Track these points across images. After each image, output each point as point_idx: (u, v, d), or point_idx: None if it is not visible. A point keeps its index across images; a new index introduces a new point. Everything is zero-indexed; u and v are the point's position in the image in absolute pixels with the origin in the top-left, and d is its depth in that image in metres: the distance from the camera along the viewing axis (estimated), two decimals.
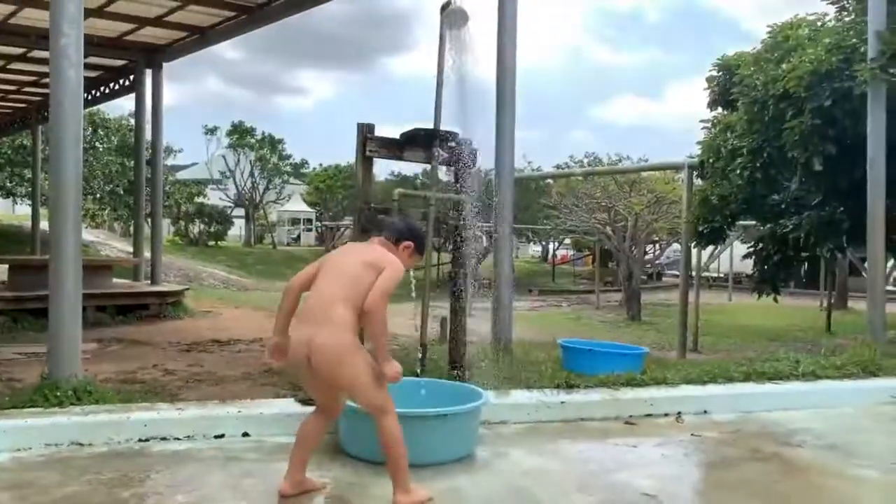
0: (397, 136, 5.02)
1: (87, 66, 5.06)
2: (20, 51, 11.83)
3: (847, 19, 8.88)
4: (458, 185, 5.08)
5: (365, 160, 4.90)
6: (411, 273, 5.22)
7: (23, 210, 31.46)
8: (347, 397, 3.41)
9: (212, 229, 32.76)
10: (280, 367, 3.29)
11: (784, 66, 8.42)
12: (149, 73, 12.11)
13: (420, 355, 4.67)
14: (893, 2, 7.12)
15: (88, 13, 4.65)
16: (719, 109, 10.85)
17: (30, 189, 20.88)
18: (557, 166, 28.20)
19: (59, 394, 4.33)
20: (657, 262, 27.89)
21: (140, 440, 4.07)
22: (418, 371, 4.63)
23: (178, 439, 4.13)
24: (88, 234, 23.01)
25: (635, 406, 4.91)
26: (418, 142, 4.92)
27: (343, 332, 3.16)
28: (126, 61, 12.28)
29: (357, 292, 3.18)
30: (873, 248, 6.98)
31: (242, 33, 10.73)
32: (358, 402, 3.32)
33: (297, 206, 41.73)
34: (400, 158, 5.00)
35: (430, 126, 5.02)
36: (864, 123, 7.03)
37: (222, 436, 4.19)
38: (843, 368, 5.68)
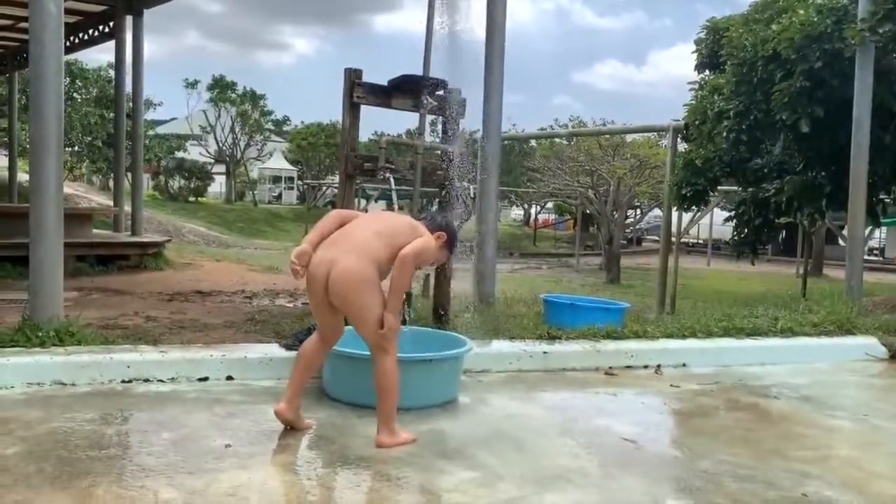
0: (384, 84, 4.95)
1: (66, 12, 4.91)
2: None
3: None
4: (446, 136, 5.05)
5: (352, 107, 4.85)
6: None
7: None
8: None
9: (192, 185, 32.41)
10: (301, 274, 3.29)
11: (774, 27, 8.40)
12: (129, 20, 11.83)
13: (405, 303, 4.66)
14: None
15: None
16: (707, 72, 10.84)
17: (6, 139, 20.48)
18: (542, 129, 28.07)
19: (40, 334, 4.29)
20: (637, 226, 28.08)
21: (123, 381, 4.07)
22: (405, 319, 4.63)
23: (162, 381, 4.13)
24: (67, 188, 22.61)
25: (616, 357, 4.98)
26: (406, 88, 4.86)
27: (369, 262, 3.21)
28: (105, 6, 11.97)
29: (394, 239, 3.25)
30: (854, 207, 7.05)
31: None
32: (362, 333, 3.33)
33: (279, 163, 41.36)
34: (388, 106, 4.94)
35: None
36: (852, 86, 7.05)
37: (206, 379, 4.19)
38: (820, 326, 5.78)
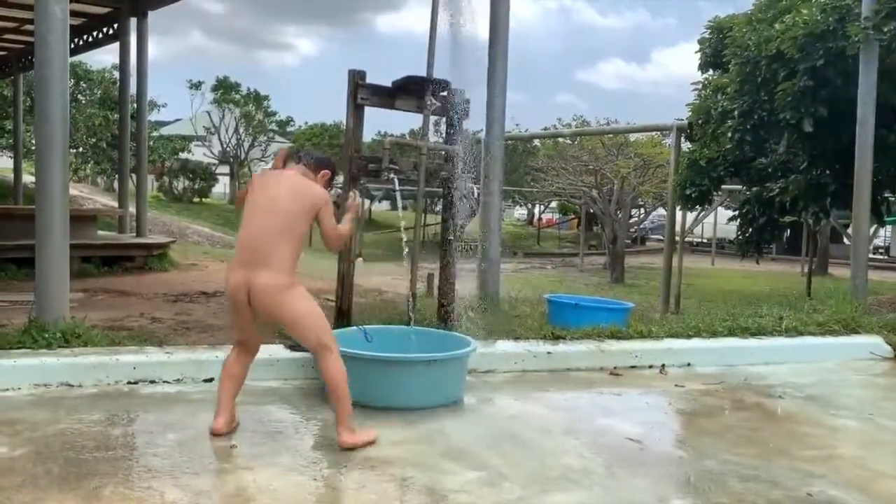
0: (388, 85, 4.96)
1: (70, 14, 4.94)
2: None
3: None
4: (449, 136, 5.06)
5: (356, 108, 4.85)
6: (402, 230, 5.24)
7: (3, 163, 30.98)
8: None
9: (196, 186, 32.44)
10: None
11: (777, 26, 8.38)
12: (133, 22, 11.86)
13: (410, 304, 4.68)
14: None
15: None
16: (710, 71, 10.82)
17: (10, 141, 20.54)
18: (546, 129, 28.07)
19: (47, 336, 4.32)
20: (641, 226, 28.05)
21: (129, 382, 4.09)
22: (409, 320, 4.65)
23: (168, 382, 4.15)
24: (72, 189, 22.64)
25: (620, 357, 4.98)
26: (410, 89, 4.87)
27: (282, 273, 3.28)
28: (110, 8, 11.99)
29: (293, 231, 3.33)
30: (858, 205, 7.03)
31: None
32: (300, 337, 3.40)
33: None
34: (391, 107, 4.95)
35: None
36: (855, 85, 7.03)
37: (211, 380, 4.20)
38: (824, 325, 5.77)
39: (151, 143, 27.06)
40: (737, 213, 10.52)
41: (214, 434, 3.35)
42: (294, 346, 4.43)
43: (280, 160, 3.63)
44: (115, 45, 12.47)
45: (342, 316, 4.85)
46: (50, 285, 4.57)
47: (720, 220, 23.28)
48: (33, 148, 19.53)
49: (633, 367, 4.97)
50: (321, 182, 3.54)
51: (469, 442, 3.44)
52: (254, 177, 3.63)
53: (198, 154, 35.48)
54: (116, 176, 19.10)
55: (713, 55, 10.57)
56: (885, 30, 6.81)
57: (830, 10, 7.89)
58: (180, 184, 32.27)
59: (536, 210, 39.10)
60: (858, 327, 5.85)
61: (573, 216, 34.09)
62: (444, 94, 4.89)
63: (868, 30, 6.75)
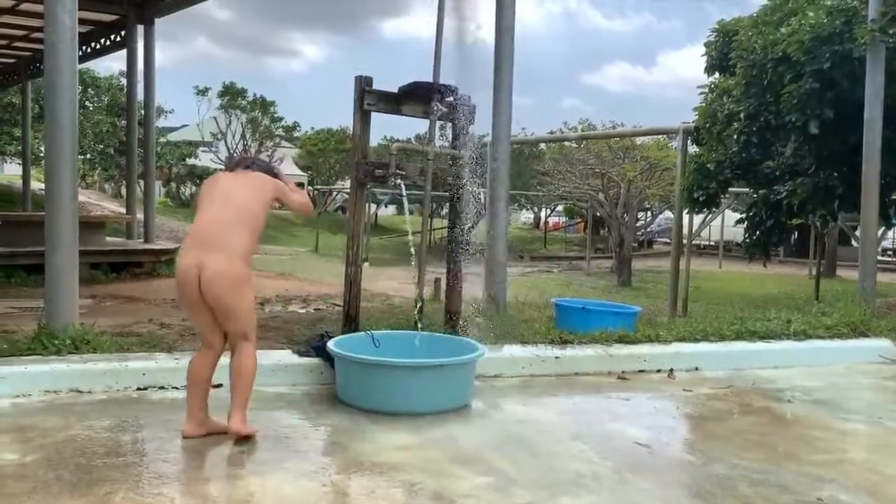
0: (395, 91, 4.97)
1: (79, 22, 4.97)
2: (10, 3, 11.61)
3: None
4: (456, 141, 5.07)
5: (363, 114, 4.87)
6: (409, 233, 5.25)
7: (11, 170, 31.16)
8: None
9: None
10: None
11: (784, 29, 8.38)
12: (140, 29, 11.94)
13: (417, 309, 4.68)
14: None
15: None
16: (717, 75, 10.80)
17: (19, 148, 20.67)
18: (551, 132, 28.07)
19: (56, 342, 4.35)
20: (648, 229, 27.99)
21: (138, 388, 4.11)
22: (417, 326, 4.66)
23: (177, 388, 4.15)
24: (80, 195, 22.80)
25: (628, 362, 4.98)
26: (417, 95, 4.88)
27: (239, 260, 3.31)
28: (117, 16, 12.08)
29: (252, 219, 3.38)
30: (866, 210, 7.02)
31: None
32: (231, 326, 3.37)
33: (290, 169, 41.43)
34: (398, 112, 4.97)
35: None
36: (862, 87, 7.02)
37: (220, 385, 4.19)
38: (833, 328, 5.75)
39: (159, 148, 27.19)
40: (744, 215, 10.50)
41: (184, 437, 3.36)
42: (302, 352, 4.45)
43: (232, 166, 3.69)
44: (123, 52, 12.57)
45: (350, 321, 4.86)
46: (59, 292, 4.60)
47: (727, 223, 23.22)
48: (42, 155, 19.71)
49: (641, 371, 4.96)
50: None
51: (477, 447, 3.45)
52: (207, 179, 3.70)
53: (205, 159, 35.60)
54: (124, 182, 19.21)
55: (719, 58, 10.56)
56: (892, 32, 6.80)
57: (837, 13, 7.88)
58: (187, 189, 32.40)
59: (543, 213, 39.09)
60: (867, 330, 5.83)
61: (579, 219, 34.07)
62: (451, 99, 4.90)
63: (875, 32, 6.75)
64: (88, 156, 25.26)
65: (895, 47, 7.07)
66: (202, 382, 3.47)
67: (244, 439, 3.35)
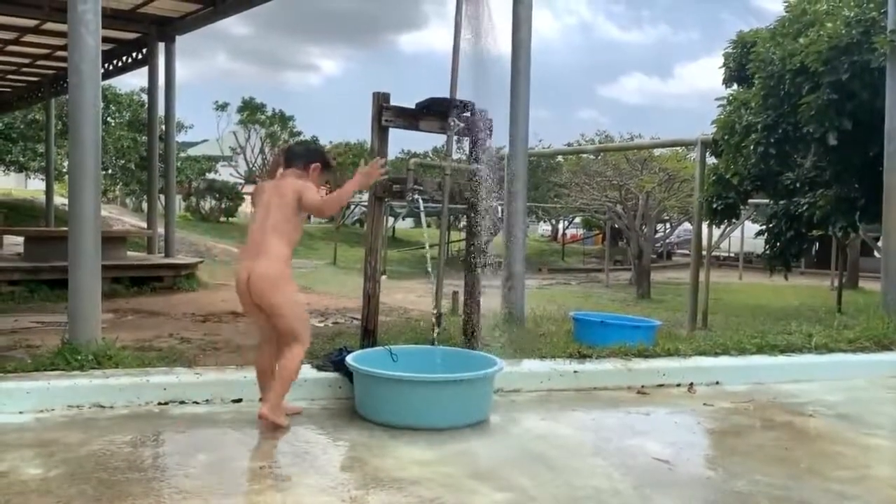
0: (412, 106, 5.01)
1: (101, 40, 5.10)
2: (34, 23, 11.84)
3: None
4: (473, 156, 5.09)
5: (380, 130, 4.91)
6: (427, 247, 5.27)
7: (35, 185, 31.60)
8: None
9: (223, 205, 32.83)
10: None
11: (801, 40, 8.34)
12: (161, 46, 12.12)
13: (434, 324, 4.69)
14: None
15: None
16: (735, 86, 10.77)
17: (43, 164, 20.99)
18: (568, 144, 28.04)
19: (79, 357, 4.40)
20: (667, 240, 27.82)
21: (160, 403, 4.14)
22: (434, 340, 4.66)
23: (197, 403, 4.19)
24: (101, 210, 23.05)
25: (648, 376, 4.95)
26: (434, 111, 4.91)
27: (277, 262, 3.75)
28: (139, 34, 12.28)
29: (284, 224, 3.78)
30: (888, 221, 6.94)
31: (255, 6, 10.69)
32: (279, 323, 3.79)
33: None
34: (416, 128, 5.00)
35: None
36: (881, 98, 6.97)
37: (240, 400, 4.25)
38: (855, 342, 5.69)
39: (179, 163, 27.49)
40: (764, 227, 10.43)
41: (259, 417, 3.72)
42: (321, 367, 4.47)
43: (273, 169, 4.08)
44: (144, 69, 12.76)
45: (368, 335, 4.88)
46: (82, 308, 4.66)
47: (747, 234, 23.04)
48: (65, 170, 19.99)
49: (660, 385, 4.93)
50: (313, 176, 3.95)
51: (496, 462, 3.44)
52: (255, 188, 4.11)
53: (224, 174, 35.93)
54: (145, 197, 19.44)
55: (737, 69, 10.54)
56: None
57: (855, 24, 7.84)
58: (207, 203, 32.69)
59: (560, 225, 38.98)
60: (891, 344, 5.75)
61: (598, 231, 33.95)
62: (468, 114, 4.93)
63: (894, 42, 6.69)
64: (110, 171, 25.57)
65: None
66: (264, 372, 3.94)
67: (274, 428, 3.70)
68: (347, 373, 4.21)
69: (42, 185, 21.90)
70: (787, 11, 9.43)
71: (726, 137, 9.82)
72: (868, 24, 7.72)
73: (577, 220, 35.37)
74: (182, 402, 4.17)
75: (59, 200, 20.38)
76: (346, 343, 4.80)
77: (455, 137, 5.17)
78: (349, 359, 4.16)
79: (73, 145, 4.72)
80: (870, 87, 7.63)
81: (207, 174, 33.09)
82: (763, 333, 5.77)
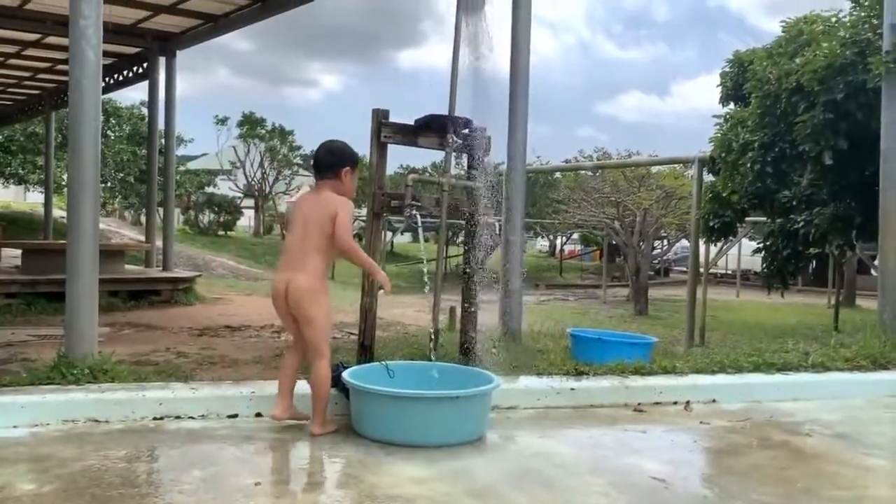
0: (411, 123, 5.04)
1: (102, 53, 5.15)
2: (35, 37, 11.90)
3: (862, 14, 8.83)
4: (471, 172, 5.11)
5: (379, 146, 4.94)
6: (424, 261, 5.28)
7: (34, 198, 31.64)
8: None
9: (221, 219, 32.87)
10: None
11: (798, 60, 8.41)
12: (162, 61, 12.18)
13: (431, 340, 4.69)
14: None
15: None
16: (732, 105, 10.85)
17: (42, 177, 21.02)
18: (567, 161, 28.14)
19: (75, 371, 4.39)
20: (665, 257, 27.86)
21: (155, 418, 4.13)
22: (431, 356, 4.66)
23: (193, 418, 4.18)
24: (100, 223, 23.07)
25: (644, 394, 4.94)
26: (433, 127, 4.94)
27: (314, 276, 3.95)
28: (140, 48, 12.34)
29: (322, 241, 3.95)
30: (885, 240, 6.96)
31: (255, 22, 10.76)
32: (308, 332, 3.97)
33: None
34: (414, 144, 5.03)
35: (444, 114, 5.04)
36: (877, 118, 7.01)
37: (236, 416, 4.24)
38: (852, 361, 5.68)
39: (178, 177, 27.52)
40: (761, 245, 10.45)
41: (272, 417, 4.00)
42: None
43: (313, 167, 4.21)
44: (145, 83, 12.81)
45: (365, 351, 4.88)
46: (79, 322, 4.66)
47: (745, 252, 23.07)
48: (63, 183, 19.99)
49: (657, 403, 4.92)
50: (346, 181, 4.09)
51: (493, 480, 3.43)
52: (294, 200, 4.21)
53: (223, 188, 35.99)
54: (143, 210, 19.45)
55: (734, 88, 10.61)
56: None
57: (850, 44, 7.90)
58: (206, 217, 32.71)
59: (559, 241, 39.05)
60: (888, 363, 5.75)
61: (595, 247, 33.99)
62: (466, 131, 4.95)
63: (889, 63, 6.75)
64: (109, 184, 25.61)
65: None
66: (288, 369, 4.11)
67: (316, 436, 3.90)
68: (344, 389, 4.20)
69: (41, 198, 21.91)
70: (783, 31, 9.51)
71: (723, 155, 9.86)
72: (863, 45, 7.79)
73: (576, 235, 35.44)
74: (178, 418, 4.16)
75: (58, 213, 20.38)
76: (343, 358, 4.80)
77: (454, 155, 5.20)
78: (345, 374, 4.15)
79: (72, 160, 4.73)
80: (865, 107, 7.68)
81: (206, 188, 33.13)
82: (760, 351, 5.77)
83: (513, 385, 4.73)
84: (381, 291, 4.49)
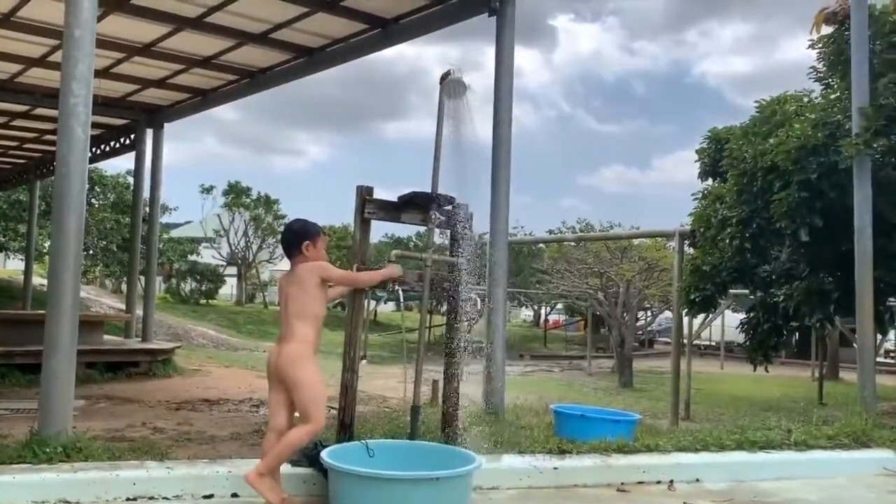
0: (395, 199, 5.11)
1: (90, 125, 5.29)
2: (24, 108, 12.04)
3: (832, 97, 9.16)
4: (454, 248, 5.16)
5: (363, 222, 4.98)
6: (403, 332, 5.27)
7: (14, 265, 31.36)
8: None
9: (203, 287, 32.69)
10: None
11: (772, 140, 8.65)
12: (149, 132, 12.33)
13: (413, 417, 4.64)
14: (875, 80, 7.38)
15: (95, 73, 4.80)
16: (710, 180, 11.08)
17: (23, 244, 20.92)
18: (550, 231, 28.46)
19: (48, 450, 4.28)
20: (649, 328, 27.90)
21: (128, 499, 4.03)
22: (412, 434, 4.60)
23: (167, 499, 4.09)
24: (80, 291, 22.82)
25: (628, 473, 4.89)
26: (416, 204, 5.01)
27: (300, 342, 4.06)
28: (128, 120, 12.50)
29: (304, 308, 4.11)
30: (862, 318, 7.05)
31: (243, 96, 10.97)
32: (296, 396, 4.00)
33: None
34: (398, 220, 5.08)
35: (427, 189, 5.12)
36: (849, 196, 7.19)
37: (211, 496, 4.15)
38: (835, 438, 5.67)
39: (161, 245, 27.48)
40: (743, 319, 10.52)
41: (246, 480, 3.89)
42: (295, 462, 4.38)
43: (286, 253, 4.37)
44: (131, 153, 12.92)
45: (344, 429, 4.80)
46: (54, 397, 4.57)
47: (728, 324, 23.15)
48: (45, 251, 19.86)
49: (640, 482, 4.86)
50: (311, 253, 4.23)
51: None
52: (279, 279, 4.47)
53: (206, 256, 35.91)
54: (125, 278, 19.32)
55: (712, 164, 10.86)
56: (876, 145, 7.02)
57: (821, 126, 8.16)
58: (188, 286, 32.52)
59: (543, 311, 39.06)
60: (870, 441, 5.75)
61: (580, 318, 34.01)
62: (449, 207, 5.02)
63: (859, 146, 6.97)
64: (91, 251, 25.49)
65: (881, 159, 7.29)
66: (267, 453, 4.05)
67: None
68: (323, 468, 4.12)
69: (21, 265, 21.75)
70: (757, 111, 9.81)
71: (703, 230, 10.02)
72: (833, 127, 8.05)
73: (560, 305, 35.50)
74: (151, 498, 4.06)
75: (38, 280, 20.21)
76: (323, 436, 4.72)
77: (437, 231, 5.26)
78: (324, 454, 4.08)
79: (55, 232, 4.73)
80: (838, 186, 7.88)
81: (189, 256, 33.04)
82: (742, 429, 5.75)
83: (495, 464, 4.67)
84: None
